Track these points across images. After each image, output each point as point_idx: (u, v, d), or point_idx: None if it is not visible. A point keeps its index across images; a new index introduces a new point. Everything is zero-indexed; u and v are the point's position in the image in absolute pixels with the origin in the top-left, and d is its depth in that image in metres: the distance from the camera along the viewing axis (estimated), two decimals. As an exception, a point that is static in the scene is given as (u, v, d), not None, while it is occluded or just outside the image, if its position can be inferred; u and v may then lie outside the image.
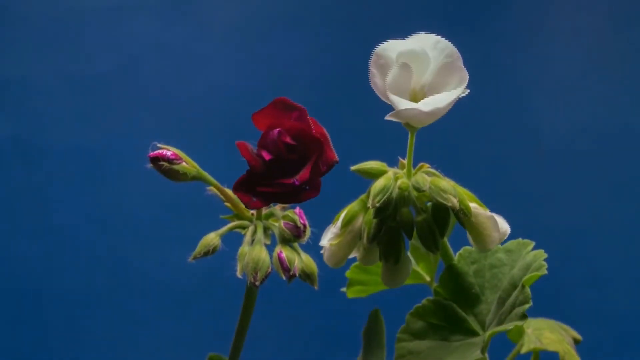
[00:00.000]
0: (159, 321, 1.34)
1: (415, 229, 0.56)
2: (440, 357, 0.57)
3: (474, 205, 0.56)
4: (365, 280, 0.67)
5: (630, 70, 1.39)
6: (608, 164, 1.36)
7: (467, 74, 0.54)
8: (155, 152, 0.57)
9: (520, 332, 0.65)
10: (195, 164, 0.58)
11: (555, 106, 1.38)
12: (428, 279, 0.66)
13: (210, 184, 0.58)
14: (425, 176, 0.55)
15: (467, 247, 0.61)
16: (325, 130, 0.55)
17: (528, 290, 0.55)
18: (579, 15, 1.39)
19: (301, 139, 0.54)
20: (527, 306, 0.54)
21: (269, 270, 0.55)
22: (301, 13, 1.41)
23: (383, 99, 0.54)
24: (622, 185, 1.36)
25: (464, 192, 0.56)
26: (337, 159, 0.54)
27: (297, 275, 0.55)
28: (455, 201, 0.54)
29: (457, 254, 0.61)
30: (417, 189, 0.54)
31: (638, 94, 1.38)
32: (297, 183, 0.53)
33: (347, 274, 0.67)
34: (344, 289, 0.68)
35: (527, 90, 1.39)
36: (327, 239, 0.57)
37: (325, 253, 0.58)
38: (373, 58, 0.54)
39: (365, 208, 0.57)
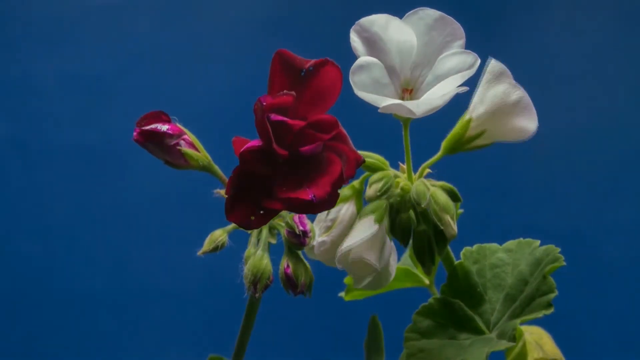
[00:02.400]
0: (159, 321, 1.33)
1: (412, 237, 0.54)
2: (453, 354, 0.56)
3: None
4: (363, 284, 0.67)
5: (631, 70, 1.38)
6: (608, 164, 1.36)
7: (473, 57, 0.50)
8: (148, 127, 0.51)
9: (519, 334, 0.65)
10: (207, 155, 0.53)
11: (555, 106, 1.37)
12: (427, 282, 0.65)
13: (219, 179, 0.54)
14: (427, 184, 0.53)
15: (468, 247, 0.61)
16: (339, 75, 0.45)
17: (551, 280, 0.55)
18: (579, 15, 1.39)
19: (318, 129, 0.46)
20: (552, 295, 0.54)
21: (270, 280, 0.51)
22: (301, 12, 1.41)
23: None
24: (622, 185, 1.35)
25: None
26: (362, 158, 0.46)
27: (303, 292, 0.52)
28: (453, 231, 0.51)
29: (460, 253, 0.61)
30: (417, 204, 0.52)
31: (638, 94, 1.38)
32: (315, 200, 0.43)
33: (346, 280, 0.66)
34: (341, 294, 0.67)
35: (526, 89, 1.39)
36: (318, 235, 0.54)
37: (316, 247, 0.54)
38: (356, 28, 0.52)
39: (356, 194, 0.55)
